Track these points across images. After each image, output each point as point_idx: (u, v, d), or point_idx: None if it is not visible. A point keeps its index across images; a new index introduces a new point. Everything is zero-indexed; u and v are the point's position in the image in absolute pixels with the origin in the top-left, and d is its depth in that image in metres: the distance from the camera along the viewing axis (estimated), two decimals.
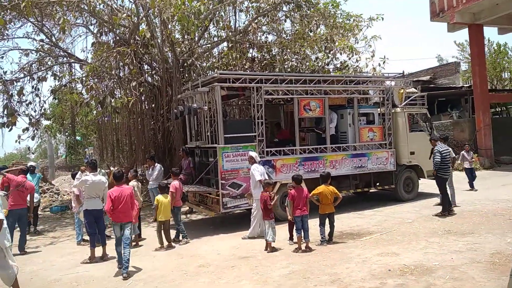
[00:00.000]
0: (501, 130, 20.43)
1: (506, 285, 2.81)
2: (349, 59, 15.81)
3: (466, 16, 19.41)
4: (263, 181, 8.38)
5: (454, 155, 11.05)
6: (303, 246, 7.62)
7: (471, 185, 13.39)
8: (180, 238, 9.03)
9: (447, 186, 10.28)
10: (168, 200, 8.60)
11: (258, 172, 8.74)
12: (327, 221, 8.05)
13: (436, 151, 10.14)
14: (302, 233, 7.64)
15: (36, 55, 14.40)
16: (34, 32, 14.42)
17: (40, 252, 8.93)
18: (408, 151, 12.09)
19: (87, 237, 8.62)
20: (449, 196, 10.36)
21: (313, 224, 8.20)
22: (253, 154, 9.07)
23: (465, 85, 26.22)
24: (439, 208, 10.30)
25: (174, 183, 8.92)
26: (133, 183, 9.66)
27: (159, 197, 8.61)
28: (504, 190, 12.99)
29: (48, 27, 14.23)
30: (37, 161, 32.67)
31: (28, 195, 8.97)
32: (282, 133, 12.61)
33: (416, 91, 12.85)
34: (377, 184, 11.99)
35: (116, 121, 15.45)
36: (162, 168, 11.60)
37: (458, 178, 14.28)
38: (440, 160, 10.01)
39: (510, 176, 16.00)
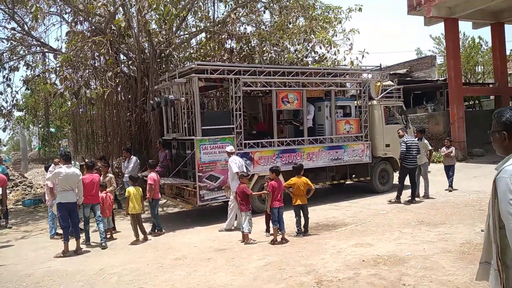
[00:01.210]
0: (474, 123, 20.97)
1: (474, 273, 2.92)
2: (328, 52, 15.89)
3: (443, 10, 19.75)
4: (239, 174, 8.44)
5: (430, 148, 11.25)
6: (279, 238, 7.68)
7: (451, 184, 11.98)
8: (156, 231, 9.00)
9: (421, 178, 10.60)
10: (139, 192, 8.52)
11: (235, 164, 8.77)
12: (302, 213, 8.13)
13: (402, 141, 10.55)
14: (278, 224, 7.69)
15: (7, 44, 14.01)
16: (4, 20, 14.12)
17: (12, 246, 8.75)
18: (383, 144, 12.27)
19: (61, 231, 8.49)
20: (417, 187, 10.84)
21: (289, 216, 8.28)
22: (228, 148, 9.13)
23: (440, 79, 26.78)
24: (419, 202, 10.59)
25: (152, 175, 8.85)
26: (109, 175, 9.65)
27: (130, 189, 8.52)
28: (475, 182, 13.33)
29: (20, 15, 13.85)
30: (9, 154, 31.83)
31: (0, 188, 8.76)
32: (259, 125, 12.64)
33: (393, 84, 13.06)
34: (353, 176, 12.17)
35: (91, 112, 15.15)
36: (138, 161, 11.50)
37: (434, 171, 14.59)
38: (405, 150, 10.42)
39: (481, 168, 16.44)
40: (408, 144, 10.48)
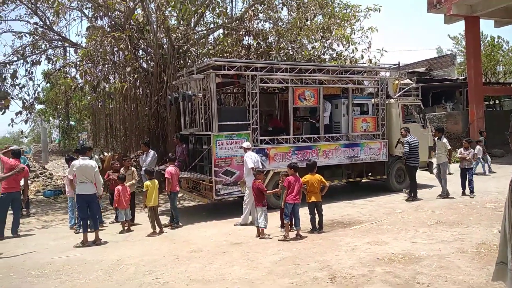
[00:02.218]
0: (494, 123, 20.58)
1: (490, 273, 2.90)
2: (345, 49, 15.81)
3: (463, 8, 19.41)
4: (254, 169, 8.48)
5: (449, 147, 11.13)
6: (293, 234, 7.71)
7: (472, 190, 11.04)
8: (173, 223, 9.13)
9: (440, 176, 10.89)
10: (156, 185, 8.68)
11: (251, 159, 8.83)
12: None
13: (406, 141, 10.89)
14: (294, 220, 7.73)
15: (30, 38, 14.25)
16: (27, 15, 14.26)
17: (33, 235, 8.98)
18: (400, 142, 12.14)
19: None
20: (442, 186, 10.97)
21: (305, 212, 8.29)
22: (246, 144, 9.21)
23: (460, 78, 26.35)
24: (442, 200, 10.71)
25: (170, 169, 9.01)
26: (132, 170, 9.87)
27: (148, 182, 8.69)
28: (494, 182, 13.16)
29: (42, 9, 14.08)
30: (30, 145, 32.53)
31: (22, 179, 9.00)
32: (275, 122, 12.70)
33: (411, 82, 13.04)
34: (369, 174, 12.12)
35: (110, 106, 15.39)
36: (156, 155, 11.63)
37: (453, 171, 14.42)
38: (408, 150, 10.81)
39: (500, 168, 16.17)
40: (412, 145, 10.82)
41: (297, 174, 7.96)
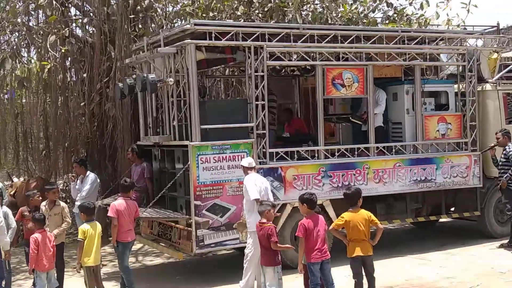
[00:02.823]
0: None
1: None
2: (410, 3, 15.76)
3: None
4: (260, 202, 8.46)
5: None
6: None
7: None
8: None
9: None
10: (98, 231, 8.66)
11: (254, 186, 8.77)
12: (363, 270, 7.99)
13: (504, 153, 11.26)
14: None
15: None
16: None
17: None
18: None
19: None
20: None
21: (344, 274, 8.32)
22: (244, 161, 9.23)
23: None
24: None
25: (116, 204, 8.99)
26: (59, 205, 9.68)
27: (84, 227, 8.65)
28: None
29: None
30: None
31: None
32: (294, 123, 12.72)
33: None
34: (452, 209, 12.06)
35: (23, 100, 15.42)
36: (98, 180, 11.71)
37: None
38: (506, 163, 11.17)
39: None
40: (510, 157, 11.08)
41: (316, 211, 7.99)
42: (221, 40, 9.96)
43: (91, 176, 11.38)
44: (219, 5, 13.77)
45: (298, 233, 7.81)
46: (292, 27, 10.78)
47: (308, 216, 7.85)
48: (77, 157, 12.41)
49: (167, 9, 14.15)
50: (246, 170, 9.08)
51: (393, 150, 11.39)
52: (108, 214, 8.98)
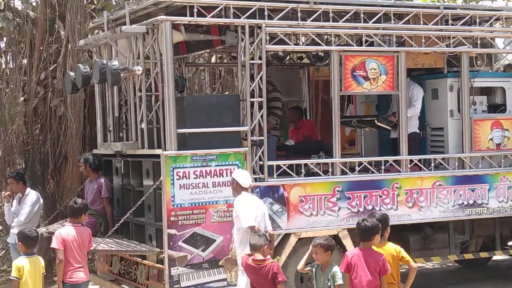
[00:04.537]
0: None
1: None
2: None
3: None
4: (256, 230, 8.10)
5: None
6: None
7: None
8: None
9: None
10: (40, 269, 8.20)
11: (248, 211, 8.34)
12: None
13: None
14: None
15: None
16: None
17: None
18: None
19: None
20: None
21: None
22: (237, 173, 8.87)
23: None
24: None
25: (63, 232, 8.55)
26: None
27: (20, 262, 8.12)
28: None
29: None
30: None
31: None
32: (303, 126, 12.55)
33: None
34: (509, 244, 12.01)
35: None
36: (41, 200, 11.51)
37: None
38: None
39: None
40: None
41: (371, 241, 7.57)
42: (205, 16, 9.53)
43: (31, 195, 11.17)
44: None
45: (342, 266, 7.64)
46: (300, 1, 10.15)
47: (363, 249, 7.54)
48: (13, 169, 12.16)
49: None
50: (238, 187, 8.63)
51: (432, 165, 10.90)
52: (51, 246, 8.62)
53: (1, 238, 12.63)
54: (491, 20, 11.71)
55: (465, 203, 10.90)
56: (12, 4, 14.18)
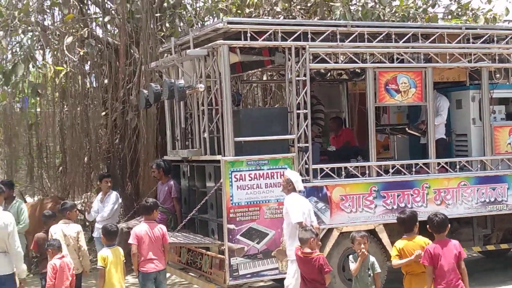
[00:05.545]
0: None
1: None
2: None
3: None
4: (303, 226, 8.45)
5: None
6: None
7: None
8: None
9: None
10: (121, 258, 8.72)
11: (297, 208, 8.75)
12: None
13: None
14: None
15: None
16: None
17: None
18: None
19: None
20: None
21: None
22: (293, 175, 9.16)
23: None
24: None
25: (137, 229, 9.04)
26: (75, 228, 9.64)
27: (104, 253, 8.66)
28: None
29: None
30: None
31: None
32: (343, 134, 12.83)
33: None
34: None
35: (37, 110, 15.58)
36: (120, 199, 11.98)
37: None
38: None
39: None
40: None
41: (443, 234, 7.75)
42: (257, 40, 10.02)
43: (113, 195, 11.58)
44: (255, 0, 13.76)
45: (424, 260, 7.61)
46: (339, 25, 10.77)
47: (439, 241, 7.68)
48: (100, 172, 12.66)
49: (197, 6, 14.16)
50: (291, 188, 8.98)
51: (457, 167, 11.28)
52: (130, 242, 9.00)
53: (87, 233, 12.82)
54: (508, 38, 11.93)
55: (487, 200, 11.20)
56: (94, 33, 14.42)
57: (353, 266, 8.12)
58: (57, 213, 10.13)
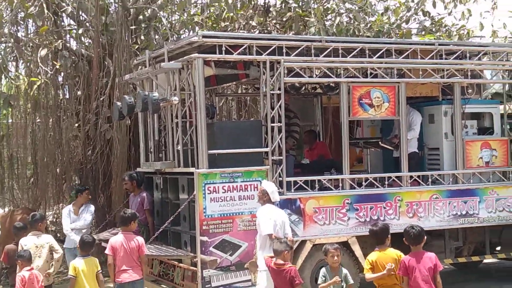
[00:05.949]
0: None
1: None
2: (449, 13, 15.69)
3: None
4: (274, 238, 8.49)
5: None
6: None
7: None
8: None
9: None
10: (94, 269, 8.66)
11: (267, 220, 8.78)
12: None
13: None
14: None
15: None
16: None
17: None
18: None
19: None
20: None
21: None
22: (269, 186, 9.18)
23: None
24: None
25: (113, 241, 8.97)
26: (46, 238, 9.57)
27: (76, 262, 8.65)
28: None
29: None
30: None
31: None
32: (317, 147, 12.87)
33: None
34: (497, 248, 12.00)
35: (9, 121, 15.53)
36: (93, 212, 11.81)
37: None
38: None
39: None
40: None
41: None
42: (232, 54, 10.02)
43: (91, 207, 11.58)
44: (231, 14, 13.79)
45: (400, 271, 7.68)
46: (313, 40, 10.84)
47: (414, 253, 7.71)
48: (72, 184, 12.67)
49: (173, 19, 14.14)
50: (267, 199, 9.00)
51: (430, 180, 11.33)
52: (106, 252, 8.98)
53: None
54: (480, 55, 12.20)
55: (459, 213, 11.27)
56: (68, 44, 14.27)
57: (321, 280, 8.16)
58: (27, 225, 10.06)
